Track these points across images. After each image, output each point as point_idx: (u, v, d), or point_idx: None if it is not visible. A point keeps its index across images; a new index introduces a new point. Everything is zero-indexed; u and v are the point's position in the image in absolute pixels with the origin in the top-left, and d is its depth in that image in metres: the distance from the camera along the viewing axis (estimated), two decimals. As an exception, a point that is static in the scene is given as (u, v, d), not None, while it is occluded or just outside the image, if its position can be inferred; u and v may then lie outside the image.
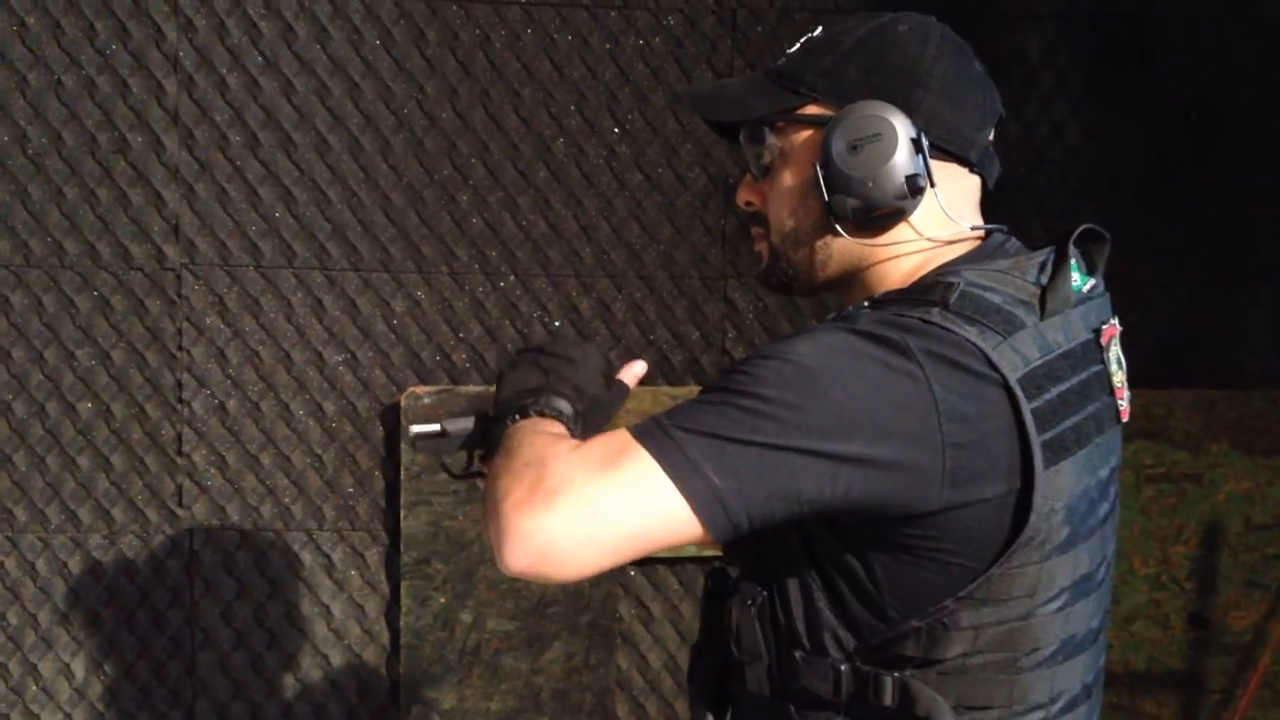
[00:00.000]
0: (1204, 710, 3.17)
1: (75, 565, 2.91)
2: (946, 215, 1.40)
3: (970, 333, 1.28)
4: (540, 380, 1.49)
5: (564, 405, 1.45)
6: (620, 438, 1.27)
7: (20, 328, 2.84)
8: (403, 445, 2.90)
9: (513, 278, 2.94)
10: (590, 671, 3.01)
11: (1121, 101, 2.99)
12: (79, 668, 2.93)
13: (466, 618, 2.95)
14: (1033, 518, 1.28)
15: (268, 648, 2.97)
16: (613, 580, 2.99)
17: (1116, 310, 1.46)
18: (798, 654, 1.37)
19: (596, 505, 1.24)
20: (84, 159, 2.82)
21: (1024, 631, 1.33)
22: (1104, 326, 1.41)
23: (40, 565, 2.90)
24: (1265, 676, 3.12)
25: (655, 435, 1.26)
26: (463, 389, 2.89)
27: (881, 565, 1.31)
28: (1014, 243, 1.44)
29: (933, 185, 1.37)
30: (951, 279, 1.33)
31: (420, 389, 2.89)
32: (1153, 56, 2.98)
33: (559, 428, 1.41)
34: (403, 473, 2.90)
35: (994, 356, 1.27)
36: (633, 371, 1.61)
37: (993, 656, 1.33)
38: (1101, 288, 1.44)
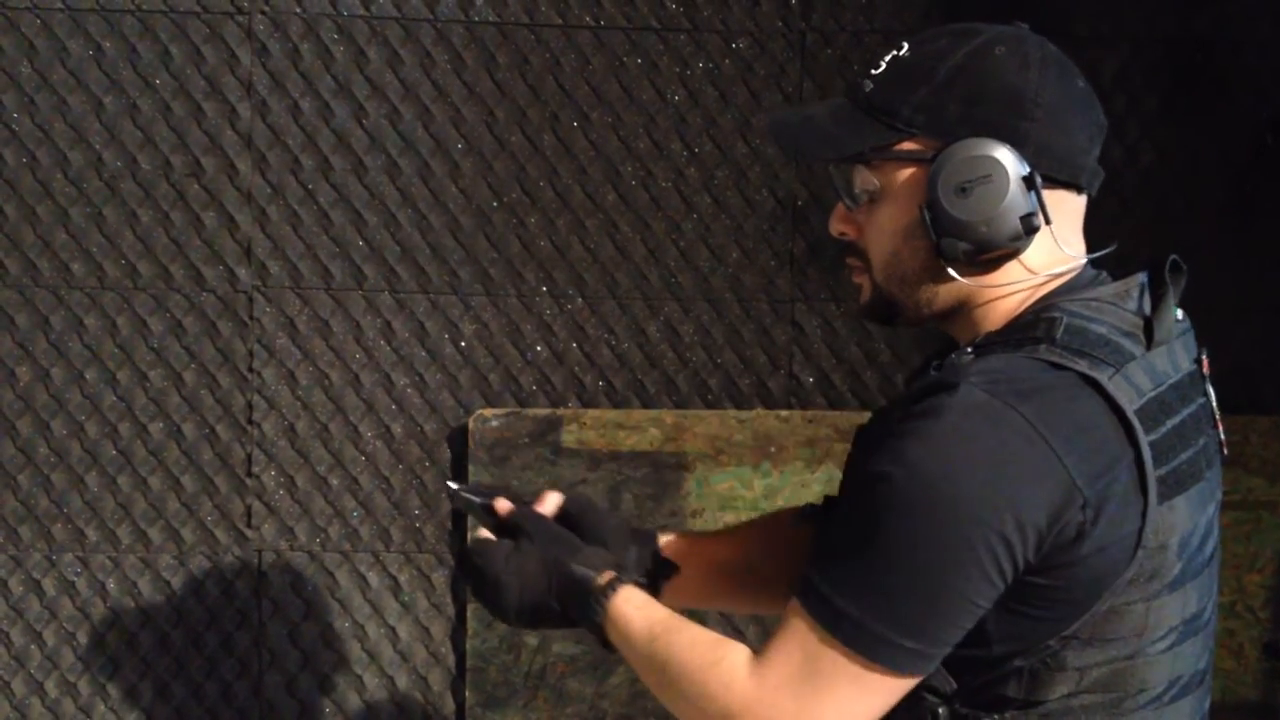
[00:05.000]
0: (1279, 742, 3.12)
1: (145, 585, 2.93)
2: (1059, 247, 1.37)
3: (1081, 365, 1.26)
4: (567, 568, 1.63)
5: (627, 576, 1.59)
6: (804, 641, 1.29)
7: (94, 349, 2.87)
8: (470, 467, 2.90)
9: (580, 300, 2.94)
10: (654, 697, 2.99)
11: (1196, 124, 2.95)
12: (146, 688, 2.95)
13: (532, 641, 2.95)
14: (1139, 554, 1.26)
15: (334, 669, 2.98)
16: (676, 607, 2.97)
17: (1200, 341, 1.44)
18: None
19: None
20: (158, 182, 2.85)
21: (1131, 672, 1.30)
22: (1203, 357, 1.40)
23: (111, 585, 2.92)
24: (1342, 708, 3.07)
25: (841, 626, 1.27)
26: (529, 411, 2.89)
27: (993, 613, 1.29)
28: (1103, 274, 1.42)
29: (1048, 223, 1.34)
30: (1053, 314, 1.31)
31: (488, 411, 2.90)
32: (1228, 79, 2.94)
33: (641, 597, 1.54)
34: (470, 495, 2.90)
35: (1109, 388, 1.25)
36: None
37: (1098, 698, 1.30)
38: (1188, 321, 1.42)
